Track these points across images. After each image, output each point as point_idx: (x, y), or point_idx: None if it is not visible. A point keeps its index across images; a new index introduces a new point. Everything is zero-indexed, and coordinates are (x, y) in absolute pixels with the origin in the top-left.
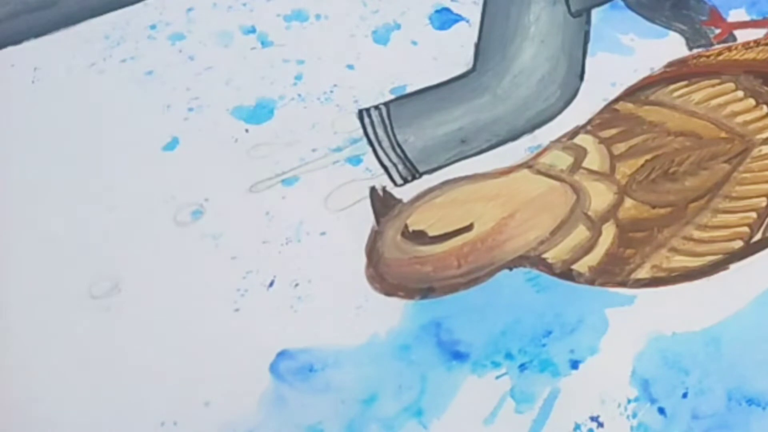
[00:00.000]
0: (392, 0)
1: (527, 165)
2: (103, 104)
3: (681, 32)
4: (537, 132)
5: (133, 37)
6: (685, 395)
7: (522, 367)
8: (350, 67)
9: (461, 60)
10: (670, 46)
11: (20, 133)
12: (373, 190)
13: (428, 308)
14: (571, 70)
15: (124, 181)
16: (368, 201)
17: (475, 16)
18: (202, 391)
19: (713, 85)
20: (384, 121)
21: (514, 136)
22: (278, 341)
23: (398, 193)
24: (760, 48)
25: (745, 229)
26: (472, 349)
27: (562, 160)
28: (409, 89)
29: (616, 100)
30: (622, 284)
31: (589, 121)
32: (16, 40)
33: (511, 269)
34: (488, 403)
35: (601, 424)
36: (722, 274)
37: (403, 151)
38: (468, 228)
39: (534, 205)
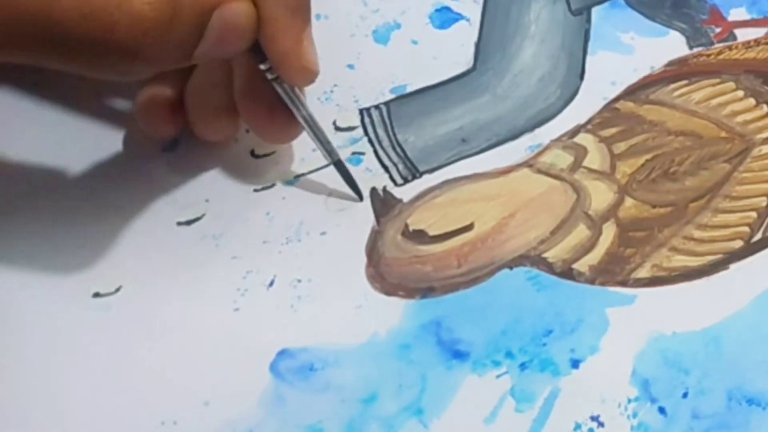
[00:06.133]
0: None
1: (527, 164)
2: (104, 105)
3: (681, 31)
4: (537, 131)
5: None
6: (685, 395)
7: (522, 366)
8: (350, 66)
9: (461, 59)
10: (670, 45)
11: (22, 134)
12: (373, 190)
13: (428, 307)
14: (572, 69)
15: (125, 182)
16: (368, 201)
17: (476, 15)
18: (202, 391)
19: (713, 85)
20: (384, 121)
21: (515, 135)
22: (278, 340)
23: (398, 192)
24: (761, 47)
25: (746, 228)
26: (473, 349)
27: (562, 159)
28: (409, 89)
29: (617, 99)
30: (623, 283)
31: (590, 120)
32: None
33: (511, 268)
34: (488, 403)
35: (601, 424)
36: (722, 274)
37: (403, 150)
38: (468, 227)
39: (534, 205)
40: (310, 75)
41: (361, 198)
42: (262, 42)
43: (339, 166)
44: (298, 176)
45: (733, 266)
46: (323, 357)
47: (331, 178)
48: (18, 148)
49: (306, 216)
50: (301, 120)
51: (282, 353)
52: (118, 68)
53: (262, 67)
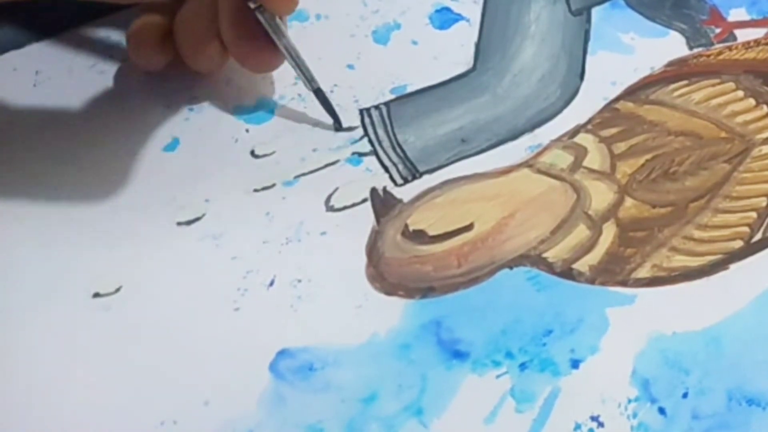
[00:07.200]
0: (392, 0)
1: (527, 164)
2: (103, 105)
3: (681, 31)
4: (537, 131)
5: None
6: (685, 395)
7: (522, 366)
8: (350, 67)
9: (461, 59)
10: (670, 46)
11: (22, 135)
12: (373, 190)
13: (428, 307)
14: (572, 69)
15: (125, 182)
16: (368, 201)
17: (476, 16)
18: (202, 390)
19: (713, 85)
20: (384, 121)
21: (515, 136)
22: (278, 340)
23: (398, 193)
24: (761, 48)
25: (745, 229)
26: (473, 348)
27: (562, 159)
28: (409, 89)
29: (617, 99)
30: (623, 283)
31: (590, 120)
32: (18, 45)
33: (511, 268)
34: (488, 403)
35: (601, 424)
36: (722, 274)
37: (403, 150)
38: (468, 227)
39: (534, 205)
40: (290, 3)
41: (340, 125)
42: None
43: (319, 94)
44: (298, 176)
45: (733, 266)
46: (323, 357)
47: (331, 178)
48: (17, 149)
49: (306, 216)
50: (282, 49)
51: (282, 353)
52: None
53: None
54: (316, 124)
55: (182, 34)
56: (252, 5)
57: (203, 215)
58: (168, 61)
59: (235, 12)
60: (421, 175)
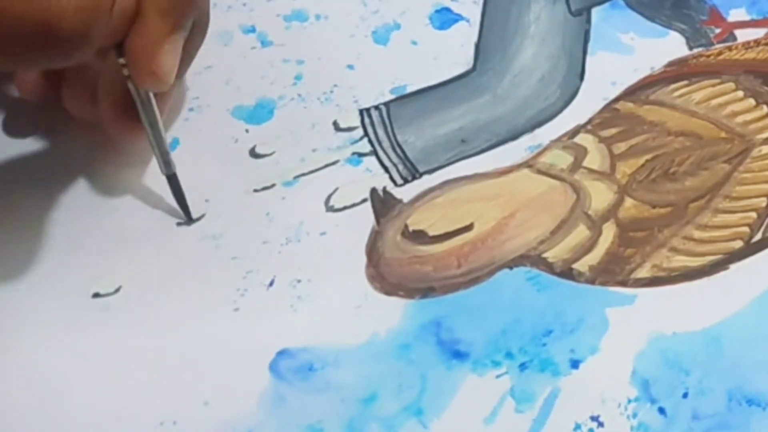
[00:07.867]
0: (392, 0)
1: (527, 164)
2: None
3: (681, 32)
4: (537, 131)
5: None
6: (685, 395)
7: (522, 366)
8: (350, 67)
9: (461, 60)
10: (670, 46)
11: (23, 135)
12: (373, 190)
13: (428, 307)
14: (572, 69)
15: (125, 182)
16: (368, 201)
17: (476, 16)
18: (202, 391)
19: (713, 85)
20: (384, 121)
21: (514, 136)
22: (278, 340)
23: (398, 193)
24: (761, 48)
25: (745, 229)
26: (473, 349)
27: (562, 159)
28: (409, 89)
29: (617, 100)
30: (623, 283)
31: (590, 121)
32: None
33: (511, 268)
34: (488, 403)
35: (601, 424)
36: (722, 274)
37: (403, 151)
38: (468, 228)
39: (534, 205)
40: (158, 82)
41: (190, 219)
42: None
43: (172, 181)
44: (298, 176)
45: (733, 266)
46: (323, 357)
47: (331, 178)
48: (18, 149)
49: (306, 216)
50: (145, 123)
51: (282, 353)
52: (62, 57)
53: (121, 61)
54: (316, 124)
55: (68, 78)
56: (125, 72)
57: (203, 215)
58: (44, 97)
59: (113, 76)
60: (421, 175)
